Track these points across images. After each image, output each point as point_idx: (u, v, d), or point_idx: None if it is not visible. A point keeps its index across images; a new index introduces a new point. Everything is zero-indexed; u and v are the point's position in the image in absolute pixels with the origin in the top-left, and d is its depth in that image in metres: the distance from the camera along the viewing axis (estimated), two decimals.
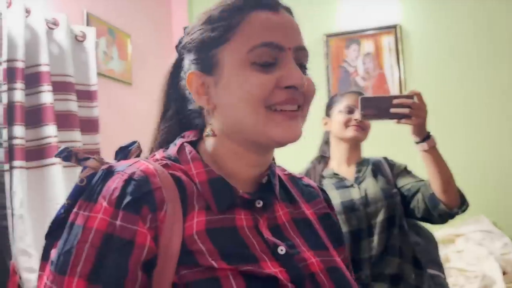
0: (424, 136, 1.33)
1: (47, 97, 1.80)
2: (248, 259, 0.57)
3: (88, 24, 2.28)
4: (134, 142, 0.67)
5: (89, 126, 2.06)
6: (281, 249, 0.60)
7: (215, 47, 0.62)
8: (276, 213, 0.66)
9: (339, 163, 1.58)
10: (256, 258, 0.57)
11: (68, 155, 0.61)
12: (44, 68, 1.81)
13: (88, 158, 0.60)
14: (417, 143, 1.35)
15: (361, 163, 1.57)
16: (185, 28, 0.69)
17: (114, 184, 0.55)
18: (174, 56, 0.72)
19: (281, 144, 0.62)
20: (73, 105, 1.94)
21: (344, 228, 1.43)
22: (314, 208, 0.73)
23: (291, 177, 0.76)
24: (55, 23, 1.93)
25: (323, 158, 1.62)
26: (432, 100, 2.77)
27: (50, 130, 1.79)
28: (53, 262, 0.53)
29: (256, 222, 0.62)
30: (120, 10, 2.63)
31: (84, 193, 0.56)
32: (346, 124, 1.52)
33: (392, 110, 1.29)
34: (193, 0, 3.30)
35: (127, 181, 0.55)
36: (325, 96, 2.97)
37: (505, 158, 2.72)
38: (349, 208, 1.46)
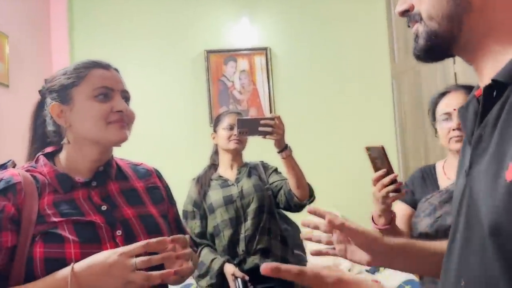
0: (283, 147, 1.73)
1: None
2: (78, 215, 0.95)
3: None
4: (9, 160, 1.05)
5: None
6: (103, 207, 0.99)
7: (70, 88, 1.01)
8: (108, 188, 1.03)
9: (225, 168, 1.98)
10: (83, 213, 0.96)
11: None
12: None
13: None
14: (278, 152, 1.73)
15: (242, 167, 1.97)
16: (46, 80, 1.07)
17: None
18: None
19: (116, 143, 1.02)
20: None
21: (225, 216, 1.85)
22: (144, 182, 1.10)
23: (132, 165, 1.15)
24: None
25: (213, 165, 2.01)
26: (294, 111, 3.30)
27: None
28: None
29: (89, 195, 0.99)
30: None
31: None
32: (229, 138, 1.91)
33: (260, 128, 1.67)
34: (72, 1, 3.29)
35: (0, 180, 0.94)
36: (206, 105, 3.26)
37: (354, 161, 3.29)
38: (228, 200, 1.87)
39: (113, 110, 1.00)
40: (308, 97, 3.38)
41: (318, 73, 3.39)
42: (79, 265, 0.86)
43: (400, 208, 1.46)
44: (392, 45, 3.32)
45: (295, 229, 2.05)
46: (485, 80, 0.59)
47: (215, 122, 2.00)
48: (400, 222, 1.41)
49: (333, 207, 3.24)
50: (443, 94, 1.42)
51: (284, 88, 3.36)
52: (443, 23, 0.60)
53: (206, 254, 1.81)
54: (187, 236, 0.97)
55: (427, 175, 1.48)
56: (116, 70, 1.08)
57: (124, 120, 1.02)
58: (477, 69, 0.63)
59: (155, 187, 1.12)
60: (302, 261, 1.97)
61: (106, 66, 1.05)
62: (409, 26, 0.65)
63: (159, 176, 1.17)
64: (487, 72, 0.60)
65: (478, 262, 0.55)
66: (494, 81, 0.56)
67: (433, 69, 2.71)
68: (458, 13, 0.59)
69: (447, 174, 1.44)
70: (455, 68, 2.47)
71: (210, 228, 1.88)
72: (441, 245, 0.83)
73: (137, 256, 0.85)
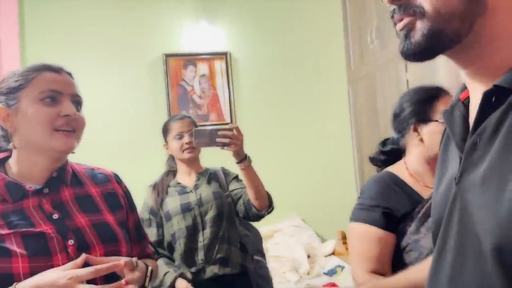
0: (241, 158, 1.70)
1: None
2: (27, 226, 0.91)
3: None
4: None
5: None
6: (55, 216, 0.95)
7: (17, 91, 0.97)
8: (62, 194, 0.99)
9: (183, 175, 1.93)
10: (33, 224, 0.91)
11: None
12: None
13: None
14: (237, 163, 1.71)
15: (201, 173, 1.93)
16: None
17: None
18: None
19: (61, 152, 0.98)
20: None
21: (182, 224, 1.80)
22: (101, 188, 1.06)
23: (88, 170, 1.10)
24: None
25: (171, 172, 1.95)
26: (254, 115, 3.31)
27: None
28: None
29: (40, 203, 0.95)
30: None
31: None
32: (181, 148, 1.85)
33: (218, 140, 1.63)
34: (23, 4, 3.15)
35: None
36: (166, 109, 3.21)
37: (312, 165, 3.37)
38: (186, 208, 1.83)
39: (60, 115, 0.96)
40: (268, 102, 3.40)
41: (277, 78, 3.42)
42: (24, 285, 0.82)
43: (377, 237, 1.15)
44: (348, 53, 3.41)
45: (255, 234, 2.05)
46: (481, 86, 0.56)
47: (163, 131, 1.93)
48: (384, 255, 1.14)
49: (293, 211, 3.29)
50: (434, 97, 1.23)
51: (244, 93, 3.37)
52: (453, 23, 0.53)
53: (160, 267, 1.76)
54: (134, 259, 0.93)
55: (396, 184, 1.22)
56: (69, 74, 1.04)
57: (72, 125, 0.98)
58: (472, 73, 0.58)
59: (113, 193, 1.07)
60: (262, 267, 1.97)
61: (57, 70, 1.01)
62: (392, 17, 0.57)
63: (118, 181, 1.13)
64: (486, 77, 0.56)
65: (476, 278, 0.51)
66: (496, 86, 0.52)
67: (387, 76, 2.81)
68: (472, 15, 0.53)
69: (421, 181, 1.23)
70: (407, 76, 2.57)
71: (167, 237, 1.84)
72: (410, 273, 0.81)
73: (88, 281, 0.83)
